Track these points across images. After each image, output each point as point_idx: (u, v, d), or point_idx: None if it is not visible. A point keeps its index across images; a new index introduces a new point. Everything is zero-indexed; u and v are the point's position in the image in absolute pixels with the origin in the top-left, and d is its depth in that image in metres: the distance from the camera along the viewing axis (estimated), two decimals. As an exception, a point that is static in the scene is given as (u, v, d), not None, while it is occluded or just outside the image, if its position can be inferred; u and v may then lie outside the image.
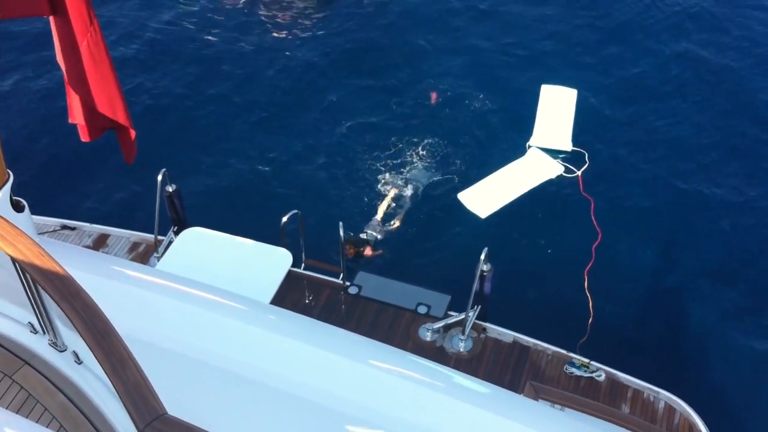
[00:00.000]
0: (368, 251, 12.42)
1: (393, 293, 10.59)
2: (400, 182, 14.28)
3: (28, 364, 5.86)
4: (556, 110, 15.18)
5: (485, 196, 13.57)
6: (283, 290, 9.24)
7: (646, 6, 18.65)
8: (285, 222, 10.43)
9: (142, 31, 18.31)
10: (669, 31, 17.93)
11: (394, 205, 13.75)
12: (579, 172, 13.85)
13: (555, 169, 14.01)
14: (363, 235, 13.03)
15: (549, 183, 13.89)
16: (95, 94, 7.56)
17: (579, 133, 14.72)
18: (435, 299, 10.45)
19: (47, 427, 5.42)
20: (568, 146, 14.45)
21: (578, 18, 18.30)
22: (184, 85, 16.82)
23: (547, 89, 15.66)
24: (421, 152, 14.92)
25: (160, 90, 16.70)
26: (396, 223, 13.38)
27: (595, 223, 12.77)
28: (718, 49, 17.36)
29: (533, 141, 14.61)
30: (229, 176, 14.77)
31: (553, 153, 14.41)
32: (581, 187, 13.44)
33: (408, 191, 14.07)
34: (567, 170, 13.95)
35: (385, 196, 13.84)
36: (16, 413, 5.45)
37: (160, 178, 10.47)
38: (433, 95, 16.13)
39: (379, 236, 13.05)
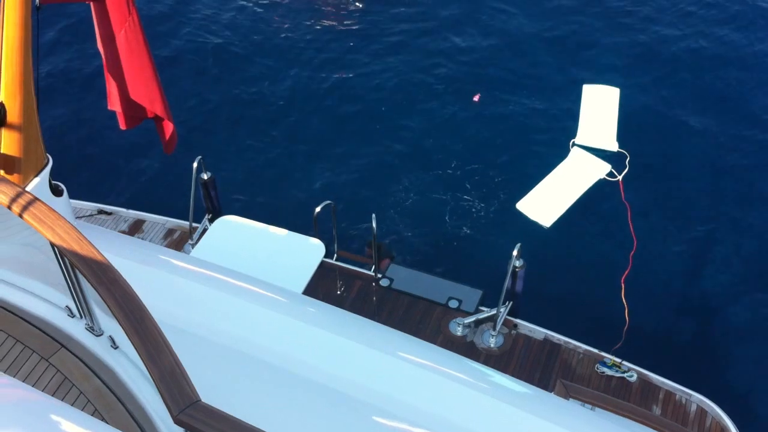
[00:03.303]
0: (385, 263, 11.94)
1: (424, 287, 10.57)
2: (436, 180, 14.24)
3: (65, 348, 5.92)
4: (600, 110, 14.93)
5: (545, 204, 13.29)
6: (315, 281, 9.24)
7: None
8: (318, 212, 10.44)
9: (184, 19, 18.43)
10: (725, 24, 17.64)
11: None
12: (620, 177, 13.64)
13: (602, 168, 13.79)
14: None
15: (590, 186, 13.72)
16: (131, 83, 7.65)
17: (623, 134, 14.50)
18: (466, 294, 10.42)
19: (82, 410, 5.48)
20: (613, 146, 14.20)
21: (620, 13, 18.09)
22: (222, 75, 16.90)
23: (588, 89, 15.42)
24: (461, 150, 14.85)
25: (199, 79, 16.80)
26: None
27: (632, 230, 12.60)
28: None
29: (578, 141, 14.42)
30: (264, 165, 14.83)
31: (598, 153, 14.22)
32: (622, 193, 13.24)
33: (443, 189, 14.01)
34: (609, 173, 13.75)
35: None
36: (52, 396, 5.52)
37: (195, 165, 10.53)
38: (476, 95, 16.03)
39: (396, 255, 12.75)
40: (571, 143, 14.35)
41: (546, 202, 13.31)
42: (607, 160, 14.03)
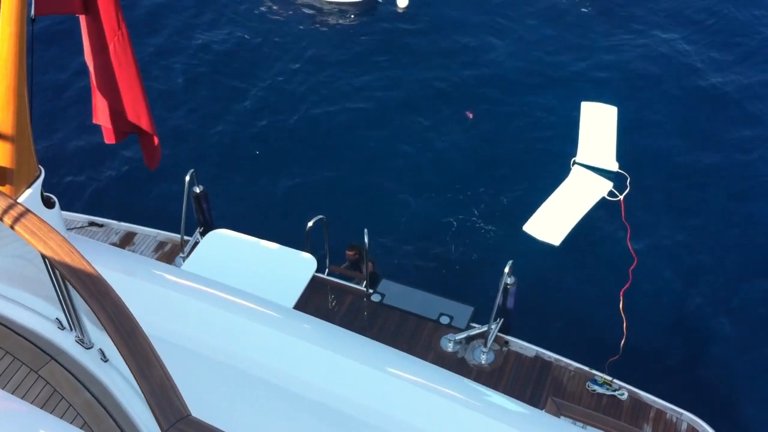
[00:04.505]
0: (370, 267, 11.86)
1: (416, 302, 10.57)
2: (431, 196, 14.24)
3: (55, 360, 5.87)
4: (598, 128, 15.05)
5: (550, 224, 13.35)
6: (306, 295, 9.23)
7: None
8: (310, 227, 10.44)
9: (182, 32, 18.47)
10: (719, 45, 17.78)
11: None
12: (621, 197, 13.71)
13: (604, 186, 13.89)
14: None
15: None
16: (118, 97, 7.63)
17: (622, 153, 14.59)
18: (458, 310, 10.42)
19: (71, 423, 5.43)
20: (613, 166, 14.33)
21: (613, 34, 18.21)
22: (216, 88, 16.93)
23: (587, 106, 15.55)
24: (457, 166, 14.87)
25: (192, 92, 16.82)
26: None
27: (631, 248, 12.65)
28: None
29: (579, 159, 14.50)
30: (257, 179, 14.83)
31: (598, 172, 14.31)
32: (623, 213, 13.30)
33: (438, 205, 14.02)
34: (610, 193, 13.84)
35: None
36: (41, 408, 5.48)
37: (188, 178, 10.52)
38: (469, 113, 16.06)
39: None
40: (572, 162, 14.43)
41: (552, 221, 13.40)
42: (609, 178, 14.15)
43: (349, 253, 11.90)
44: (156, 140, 8.06)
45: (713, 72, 17.06)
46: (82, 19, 7.18)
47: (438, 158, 15.10)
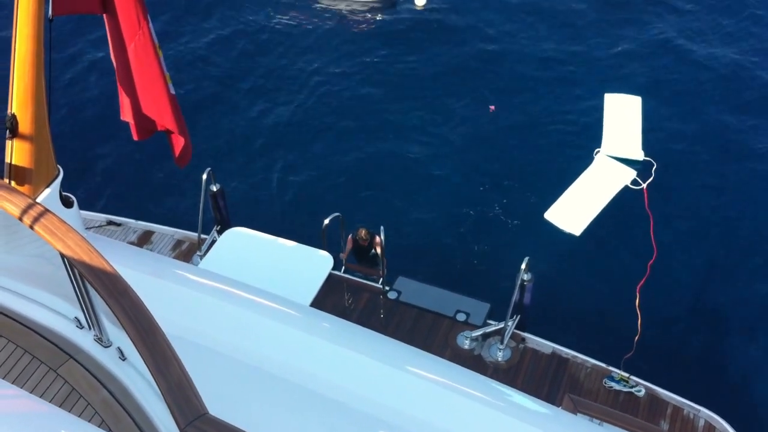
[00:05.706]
0: (377, 240, 11.14)
1: (432, 299, 10.57)
2: (448, 191, 14.21)
3: (73, 359, 5.91)
4: (623, 119, 14.97)
5: (572, 212, 13.26)
6: (323, 292, 9.25)
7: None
8: (327, 224, 10.46)
9: (201, 28, 18.53)
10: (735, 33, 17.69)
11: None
12: (644, 185, 13.60)
13: (627, 174, 13.78)
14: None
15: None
16: (141, 95, 7.66)
17: (648, 142, 14.49)
18: (474, 307, 10.41)
19: (89, 422, 5.46)
20: (639, 155, 14.24)
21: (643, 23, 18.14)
22: (234, 86, 16.96)
23: (610, 98, 15.49)
24: (476, 160, 14.83)
25: (210, 90, 16.85)
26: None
27: (653, 240, 12.53)
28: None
29: (603, 150, 14.43)
30: (273, 177, 14.84)
31: (623, 161, 14.23)
32: (646, 201, 13.17)
33: (456, 200, 13.99)
34: (633, 182, 13.73)
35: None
36: (60, 407, 5.51)
37: (204, 177, 10.57)
38: (491, 106, 16.03)
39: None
40: (595, 152, 14.38)
41: (574, 210, 13.31)
42: (634, 167, 14.06)
43: (363, 243, 11.40)
44: (182, 139, 8.07)
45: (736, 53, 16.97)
46: (105, 17, 7.22)
47: (457, 151, 15.07)
